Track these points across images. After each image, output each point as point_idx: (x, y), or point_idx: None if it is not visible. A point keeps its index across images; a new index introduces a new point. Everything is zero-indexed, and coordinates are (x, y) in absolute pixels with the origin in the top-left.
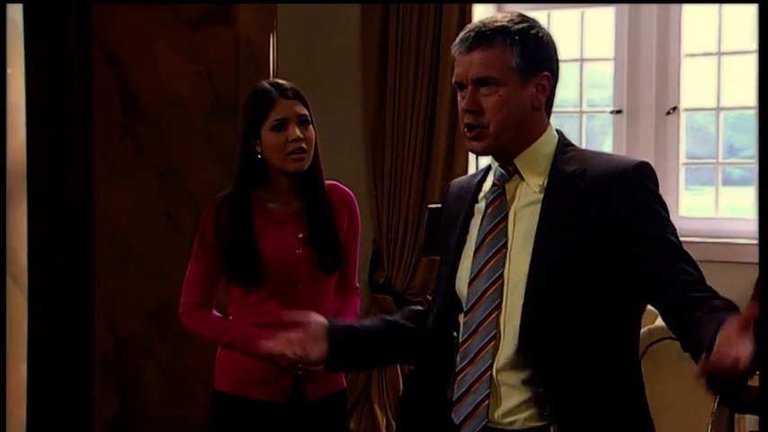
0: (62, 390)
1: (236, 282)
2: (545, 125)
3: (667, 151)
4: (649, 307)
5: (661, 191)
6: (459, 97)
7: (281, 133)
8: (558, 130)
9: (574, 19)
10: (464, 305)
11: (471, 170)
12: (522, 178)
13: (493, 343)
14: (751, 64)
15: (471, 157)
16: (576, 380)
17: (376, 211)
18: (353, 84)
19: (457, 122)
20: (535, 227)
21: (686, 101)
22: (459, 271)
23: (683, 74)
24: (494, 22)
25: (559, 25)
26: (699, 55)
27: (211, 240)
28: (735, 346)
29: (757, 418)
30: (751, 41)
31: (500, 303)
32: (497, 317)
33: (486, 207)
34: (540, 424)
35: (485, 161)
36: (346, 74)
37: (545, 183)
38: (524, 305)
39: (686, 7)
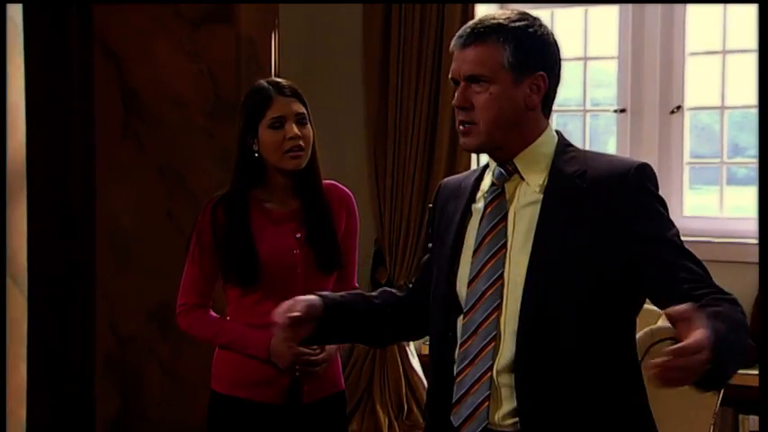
0: (63, 390)
1: (234, 282)
2: (543, 125)
3: (671, 150)
4: (652, 307)
5: (665, 190)
6: (454, 93)
7: (279, 131)
8: (557, 131)
9: (577, 17)
10: (463, 306)
11: None
12: (522, 178)
13: (493, 344)
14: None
15: (473, 156)
16: (576, 379)
17: (378, 211)
18: (355, 83)
19: None
20: (535, 227)
21: (690, 100)
22: (458, 272)
23: (687, 72)
24: (491, 19)
25: (563, 24)
26: (703, 53)
27: (208, 240)
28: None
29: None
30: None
31: (500, 304)
32: (497, 318)
33: (485, 207)
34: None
35: (486, 160)
36: (348, 73)
37: (545, 182)
38: (522, 306)
39: (690, 5)
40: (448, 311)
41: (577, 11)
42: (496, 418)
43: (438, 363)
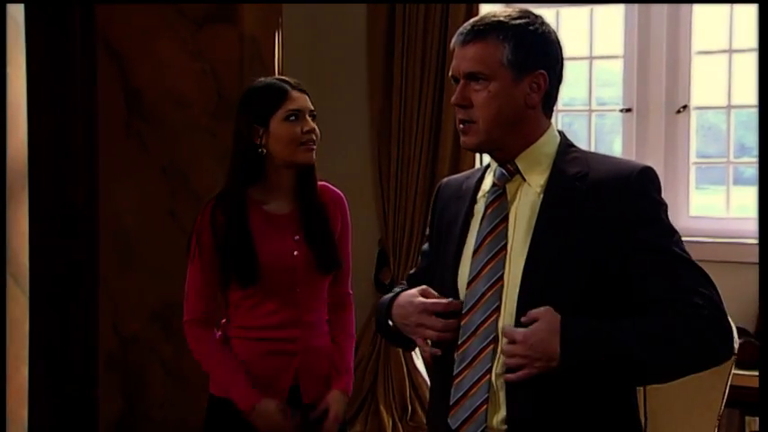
0: (65, 391)
1: (233, 284)
2: (545, 125)
3: (677, 150)
4: None
5: (671, 190)
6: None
7: (296, 124)
8: (560, 131)
9: (583, 16)
10: (462, 307)
11: None
12: (524, 178)
13: (492, 346)
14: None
15: (478, 156)
16: (569, 384)
17: (382, 211)
18: (359, 83)
19: None
20: (533, 228)
21: (697, 99)
22: (458, 273)
23: (693, 72)
24: (492, 17)
25: (568, 23)
26: (709, 52)
27: (208, 242)
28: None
29: None
30: None
31: (499, 306)
32: (497, 320)
33: (486, 208)
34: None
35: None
36: (352, 73)
37: (545, 183)
38: (518, 308)
39: (697, 4)
40: (447, 313)
41: (583, 10)
42: (494, 421)
43: (438, 364)
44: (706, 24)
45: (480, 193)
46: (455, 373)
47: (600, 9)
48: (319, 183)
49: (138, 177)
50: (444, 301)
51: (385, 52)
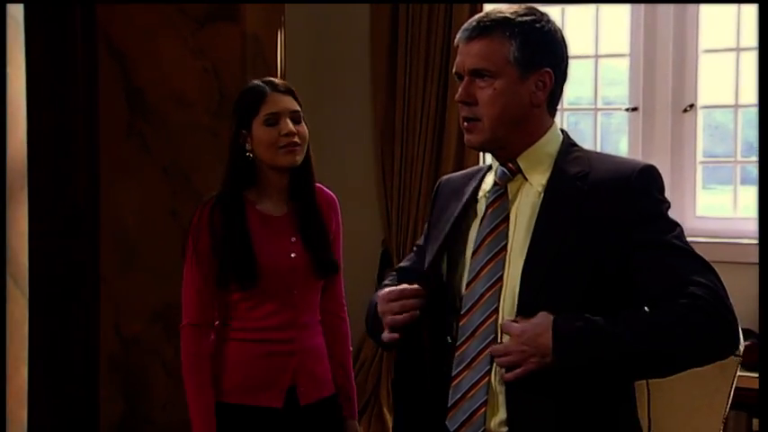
0: (66, 392)
1: (231, 286)
2: (548, 124)
3: (684, 149)
4: None
5: (677, 190)
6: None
7: (274, 128)
8: (562, 130)
9: (589, 14)
10: (461, 308)
11: None
12: (525, 178)
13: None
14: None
15: (481, 156)
16: (568, 386)
17: (385, 212)
18: (363, 83)
19: None
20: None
21: (704, 98)
22: (457, 273)
23: (700, 70)
24: (498, 13)
25: (574, 21)
26: (717, 51)
27: (206, 244)
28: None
29: None
30: None
31: (498, 307)
32: (496, 320)
33: (487, 207)
34: None
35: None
36: (355, 72)
37: (546, 182)
38: (518, 309)
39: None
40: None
41: (589, 8)
42: (493, 424)
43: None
44: (713, 22)
45: (481, 193)
46: (453, 374)
47: (606, 7)
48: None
49: (139, 177)
50: (402, 287)
51: (388, 52)
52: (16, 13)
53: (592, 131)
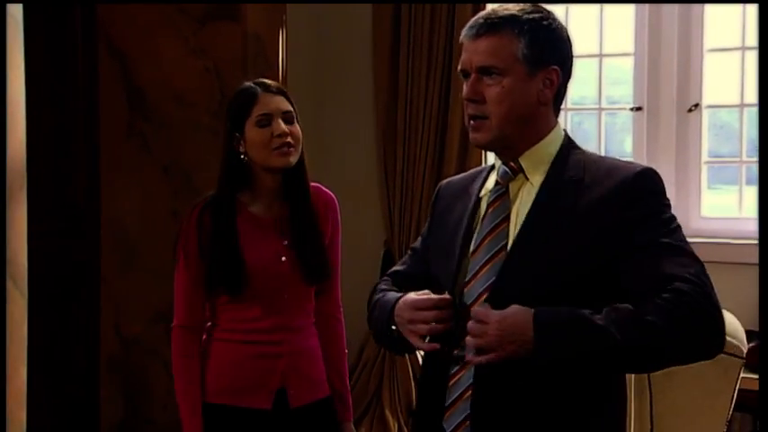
0: (67, 393)
1: (219, 289)
2: (552, 123)
3: (689, 149)
4: None
5: (682, 190)
6: (464, 86)
7: (266, 129)
8: (564, 130)
9: (593, 14)
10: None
11: None
12: (527, 177)
13: None
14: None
15: (484, 156)
16: (554, 390)
17: (388, 212)
18: (365, 83)
19: None
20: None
21: (709, 97)
22: (459, 273)
23: (705, 69)
24: (505, 10)
25: (578, 20)
26: (722, 50)
27: (194, 247)
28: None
29: None
30: None
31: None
32: None
33: (488, 207)
34: None
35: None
36: (357, 72)
37: (541, 184)
38: (488, 299)
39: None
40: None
41: (593, 7)
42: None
43: (432, 365)
44: (718, 21)
45: (483, 192)
46: (451, 374)
47: (610, 6)
48: (312, 184)
49: (139, 177)
50: (435, 296)
51: (390, 51)
52: (16, 13)
53: (596, 131)
